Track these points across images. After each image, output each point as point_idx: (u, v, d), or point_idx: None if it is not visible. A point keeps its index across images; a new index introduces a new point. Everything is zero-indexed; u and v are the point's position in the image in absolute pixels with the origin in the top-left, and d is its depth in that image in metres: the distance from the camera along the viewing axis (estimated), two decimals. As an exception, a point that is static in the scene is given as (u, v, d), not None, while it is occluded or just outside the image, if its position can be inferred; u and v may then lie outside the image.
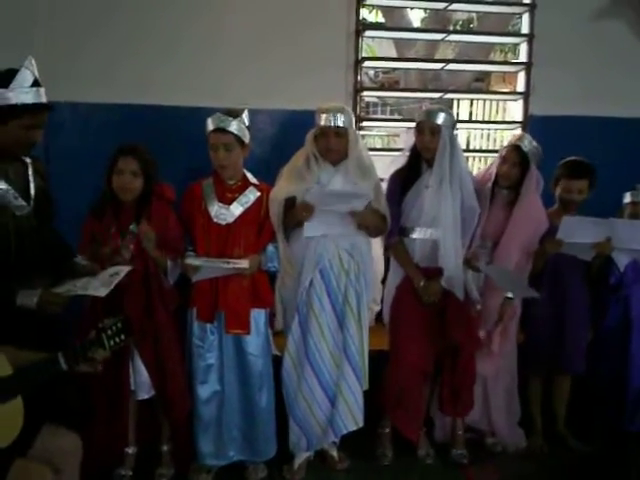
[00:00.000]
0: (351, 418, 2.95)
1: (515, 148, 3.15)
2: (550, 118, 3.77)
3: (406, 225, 3.05)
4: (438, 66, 4.40)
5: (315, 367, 2.94)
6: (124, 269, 2.49)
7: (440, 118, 2.94)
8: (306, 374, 2.94)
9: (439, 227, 2.96)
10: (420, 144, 3.01)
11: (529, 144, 3.17)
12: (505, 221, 3.15)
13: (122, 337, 2.09)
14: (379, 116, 7.75)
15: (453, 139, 3.00)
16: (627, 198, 3.38)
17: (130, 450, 2.89)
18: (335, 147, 2.92)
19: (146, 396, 2.81)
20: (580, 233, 3.04)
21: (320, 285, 2.94)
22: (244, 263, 2.77)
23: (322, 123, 2.88)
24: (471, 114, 6.88)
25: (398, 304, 3.09)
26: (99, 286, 2.37)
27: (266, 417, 2.94)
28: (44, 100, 2.27)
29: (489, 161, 3.56)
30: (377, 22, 6.96)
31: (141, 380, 2.78)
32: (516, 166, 3.15)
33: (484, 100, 6.53)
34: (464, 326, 3.05)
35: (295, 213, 2.87)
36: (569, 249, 3.09)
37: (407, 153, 3.11)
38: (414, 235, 3.04)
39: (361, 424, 2.98)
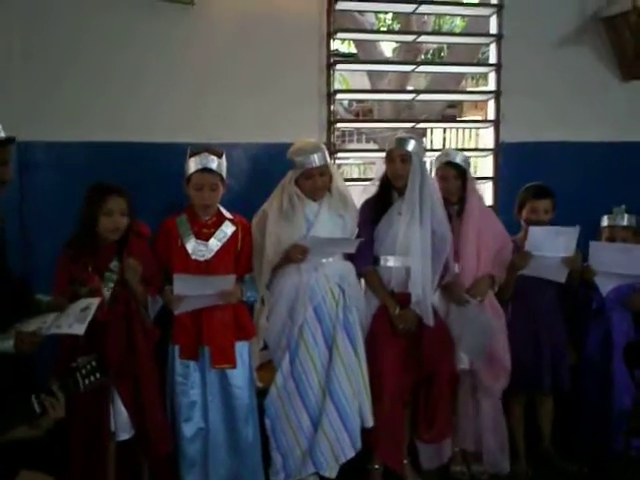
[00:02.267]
0: (331, 454, 2.93)
1: (448, 164, 3.20)
2: (520, 144, 3.85)
3: (380, 253, 3.06)
4: (410, 96, 4.47)
5: (305, 400, 2.95)
6: (94, 302, 2.44)
7: (410, 145, 2.98)
8: (295, 407, 2.95)
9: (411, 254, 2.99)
10: (391, 172, 3.04)
11: (458, 155, 3.25)
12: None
13: (97, 376, 2.06)
14: (354, 145, 7.84)
15: (423, 166, 3.03)
16: (604, 222, 3.46)
17: (110, 493, 2.84)
18: (322, 186, 2.98)
19: (127, 436, 2.76)
20: (548, 244, 3.12)
21: (314, 322, 2.95)
22: (229, 278, 2.77)
23: (305, 165, 2.90)
24: (444, 141, 6.99)
25: (375, 333, 3.08)
26: (73, 322, 2.33)
27: (253, 449, 2.92)
28: (3, 135, 2.22)
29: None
30: (350, 53, 7.07)
31: (121, 420, 2.73)
32: (457, 179, 3.19)
33: (457, 128, 6.65)
34: (440, 354, 3.05)
35: (290, 255, 2.90)
36: (540, 271, 3.15)
37: (378, 182, 3.14)
38: (389, 263, 3.05)
39: (341, 460, 2.96)
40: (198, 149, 2.81)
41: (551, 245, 3.14)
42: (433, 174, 3.27)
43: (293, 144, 3.01)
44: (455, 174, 3.20)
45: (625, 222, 3.38)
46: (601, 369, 3.33)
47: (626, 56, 3.94)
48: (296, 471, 2.98)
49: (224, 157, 2.85)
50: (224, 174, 2.85)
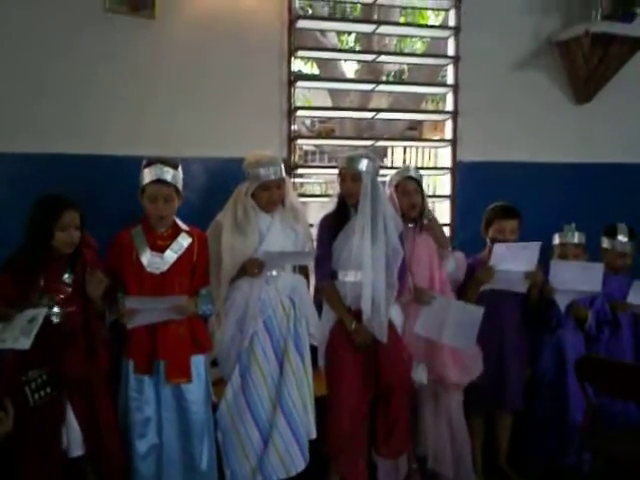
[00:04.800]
0: (281, 466, 2.92)
1: (409, 179, 3.26)
2: (477, 164, 3.92)
3: (337, 268, 3.08)
4: (370, 115, 4.52)
5: (255, 414, 2.93)
6: (41, 312, 2.41)
7: (361, 164, 3.01)
8: (245, 421, 2.92)
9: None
10: (343, 190, 3.08)
11: (415, 171, 3.32)
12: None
13: (47, 390, 2.02)
14: (317, 163, 7.89)
15: (375, 184, 3.04)
16: (556, 239, 3.54)
17: (57, 513, 2.75)
18: (278, 199, 3.00)
19: (79, 453, 2.68)
20: (511, 259, 3.18)
21: (264, 334, 2.95)
22: (182, 299, 2.75)
23: (262, 177, 2.92)
24: (405, 161, 7.09)
25: (332, 347, 3.08)
26: (19, 335, 2.28)
27: (208, 466, 2.86)
28: None
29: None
30: (311, 73, 7.15)
31: (74, 436, 2.65)
32: (418, 192, 3.26)
33: (417, 147, 6.74)
34: (396, 368, 3.06)
35: (246, 269, 2.90)
36: (503, 283, 3.20)
37: (336, 199, 3.16)
38: (346, 278, 3.06)
39: (292, 473, 2.95)
40: (153, 160, 2.78)
41: (514, 260, 3.19)
42: (389, 190, 3.29)
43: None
44: (416, 188, 3.26)
45: (576, 239, 3.47)
46: (555, 385, 3.39)
47: (579, 80, 4.06)
48: None
49: (180, 168, 2.83)
50: (179, 186, 2.82)
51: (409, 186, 3.25)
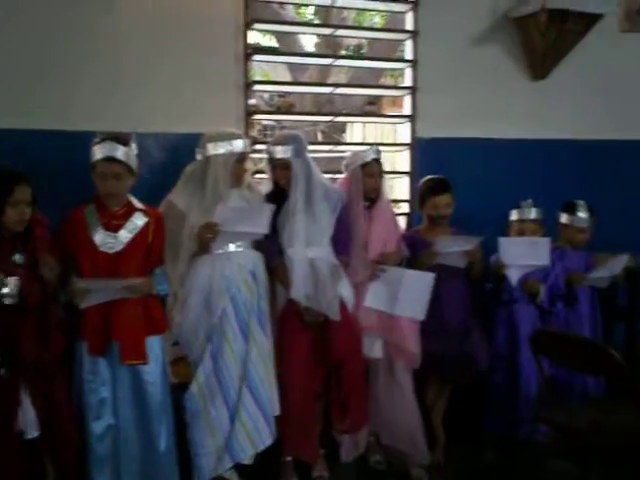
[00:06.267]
0: (249, 444, 2.90)
1: (375, 161, 3.28)
2: (435, 140, 3.91)
3: (284, 247, 3.05)
4: (329, 90, 4.48)
5: (226, 395, 2.90)
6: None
7: (287, 152, 3.00)
8: (216, 403, 2.89)
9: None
10: (274, 179, 3.09)
11: (379, 152, 3.33)
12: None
13: (1, 372, 1.98)
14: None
15: (307, 166, 3.03)
16: (513, 216, 3.58)
17: (12, 496, 2.70)
18: (242, 173, 2.98)
19: (35, 434, 2.62)
20: (454, 247, 3.25)
21: (231, 312, 2.90)
22: (137, 280, 2.72)
23: (239, 149, 2.90)
24: (364, 137, 7.07)
25: (284, 325, 3.08)
26: None
27: (167, 446, 2.84)
28: None
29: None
30: (269, 47, 7.06)
31: (30, 417, 2.59)
32: (379, 175, 3.29)
33: (375, 123, 6.72)
34: (346, 342, 3.06)
35: (200, 237, 2.83)
36: (443, 259, 3.26)
37: (270, 181, 3.15)
38: (291, 255, 3.03)
39: (260, 449, 2.93)
40: (104, 136, 2.71)
41: (456, 246, 3.27)
42: (353, 170, 3.28)
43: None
44: (380, 170, 3.28)
45: (533, 215, 3.52)
46: (509, 358, 3.45)
47: (536, 56, 4.06)
48: (211, 469, 2.90)
49: (133, 145, 2.76)
50: (132, 163, 2.75)
51: (375, 168, 3.27)
